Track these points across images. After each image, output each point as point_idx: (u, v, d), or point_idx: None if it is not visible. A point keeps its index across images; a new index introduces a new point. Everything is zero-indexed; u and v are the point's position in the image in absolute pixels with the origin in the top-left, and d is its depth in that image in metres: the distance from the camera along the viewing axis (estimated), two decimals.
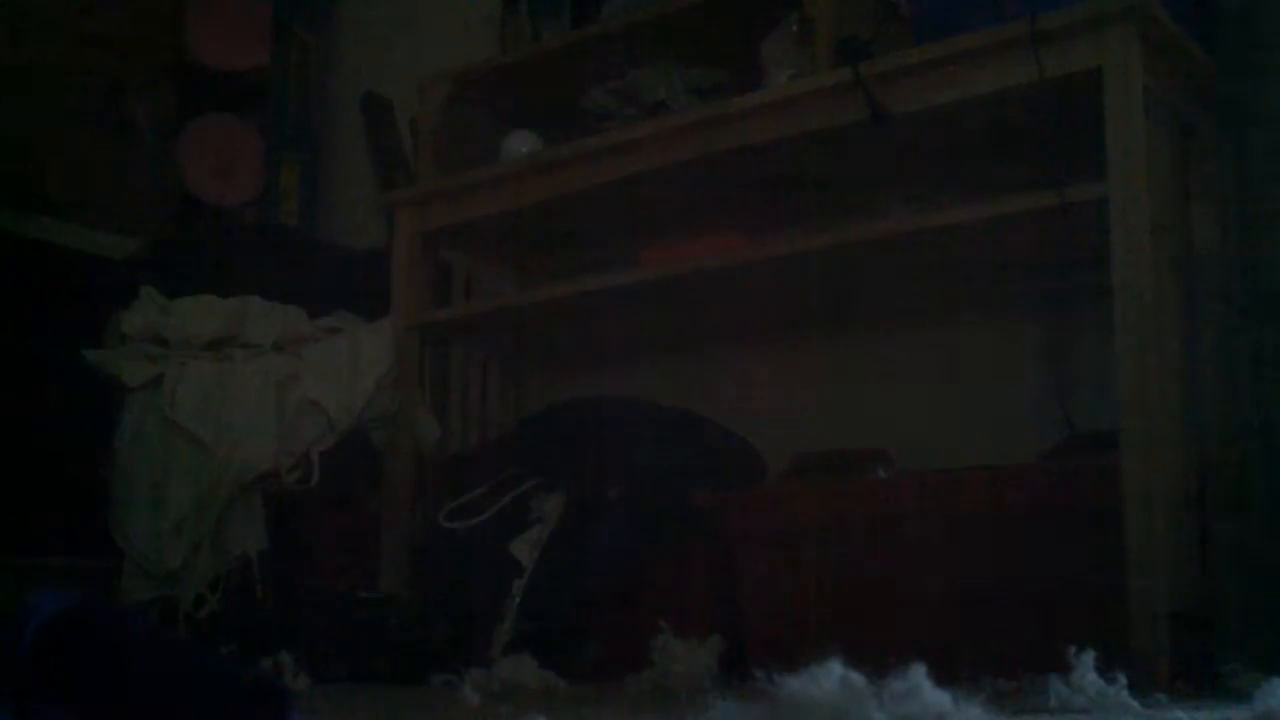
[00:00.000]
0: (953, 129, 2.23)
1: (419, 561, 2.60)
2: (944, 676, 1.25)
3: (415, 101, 2.91)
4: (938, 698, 1.21)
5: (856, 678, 1.15)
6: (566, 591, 2.29)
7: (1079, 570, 1.86)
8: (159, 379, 2.60)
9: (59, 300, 3.01)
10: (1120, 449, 1.83)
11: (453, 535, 2.43)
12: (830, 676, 1.14)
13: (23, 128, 3.18)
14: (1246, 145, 2.17)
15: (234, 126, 3.42)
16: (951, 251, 2.28)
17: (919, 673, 1.21)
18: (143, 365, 2.62)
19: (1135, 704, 1.45)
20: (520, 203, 2.65)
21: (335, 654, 2.32)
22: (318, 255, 3.13)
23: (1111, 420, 1.87)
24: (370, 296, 2.81)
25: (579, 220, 2.76)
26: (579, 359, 3.00)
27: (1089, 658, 1.48)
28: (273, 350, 2.68)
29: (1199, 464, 2.00)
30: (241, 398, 2.56)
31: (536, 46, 2.85)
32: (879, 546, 2.04)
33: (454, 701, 1.79)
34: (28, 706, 0.96)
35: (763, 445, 2.49)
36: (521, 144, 2.71)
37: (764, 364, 2.74)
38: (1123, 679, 1.48)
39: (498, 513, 2.41)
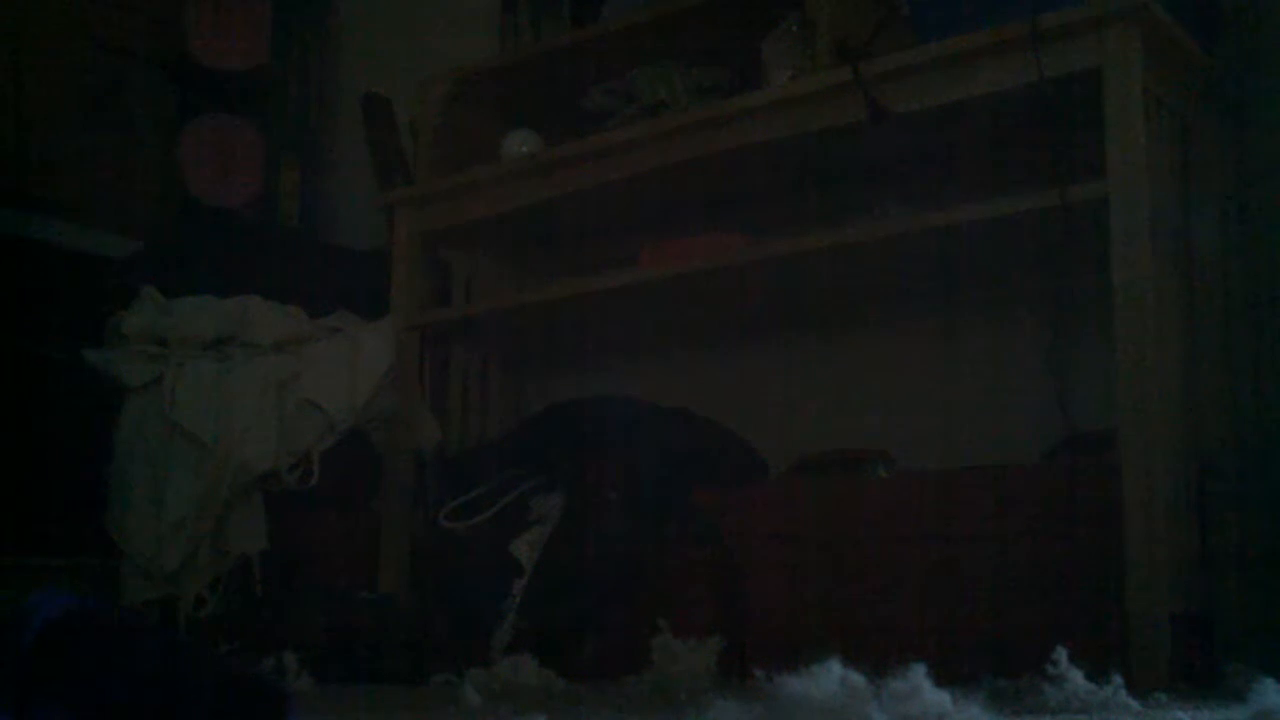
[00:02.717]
0: (953, 129, 2.23)
1: (419, 561, 2.60)
2: (944, 676, 1.25)
3: (415, 101, 2.91)
4: (938, 698, 1.21)
5: (856, 678, 1.15)
6: (566, 591, 2.29)
7: (1079, 570, 1.86)
8: (159, 379, 2.60)
9: (59, 300, 3.01)
10: (1120, 449, 1.83)
11: (453, 535, 2.43)
12: (830, 676, 1.15)
13: (23, 128, 3.18)
14: (1246, 145, 2.17)
15: (234, 126, 3.41)
16: (951, 251, 2.28)
17: (919, 673, 1.22)
18: (143, 365, 2.63)
19: (1135, 704, 1.46)
20: (520, 203, 2.65)
21: (335, 654, 2.32)
22: (318, 255, 3.13)
23: (1111, 420, 1.87)
24: (370, 296, 2.81)
25: (579, 220, 2.76)
26: (579, 359, 3.00)
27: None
28: (273, 350, 2.67)
29: (1199, 464, 2.00)
30: (241, 398, 2.56)
31: (536, 46, 2.85)
32: (879, 546, 2.04)
33: (454, 701, 1.79)
34: (28, 706, 0.96)
35: (763, 445, 2.49)
36: (521, 144, 2.71)
37: (764, 364, 2.74)
38: (1118, 678, 1.48)
39: (498, 513, 2.42)
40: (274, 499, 2.58)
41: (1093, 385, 2.17)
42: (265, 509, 2.57)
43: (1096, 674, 1.49)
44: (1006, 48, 2.02)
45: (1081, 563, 1.86)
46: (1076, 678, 1.47)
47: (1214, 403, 2.07)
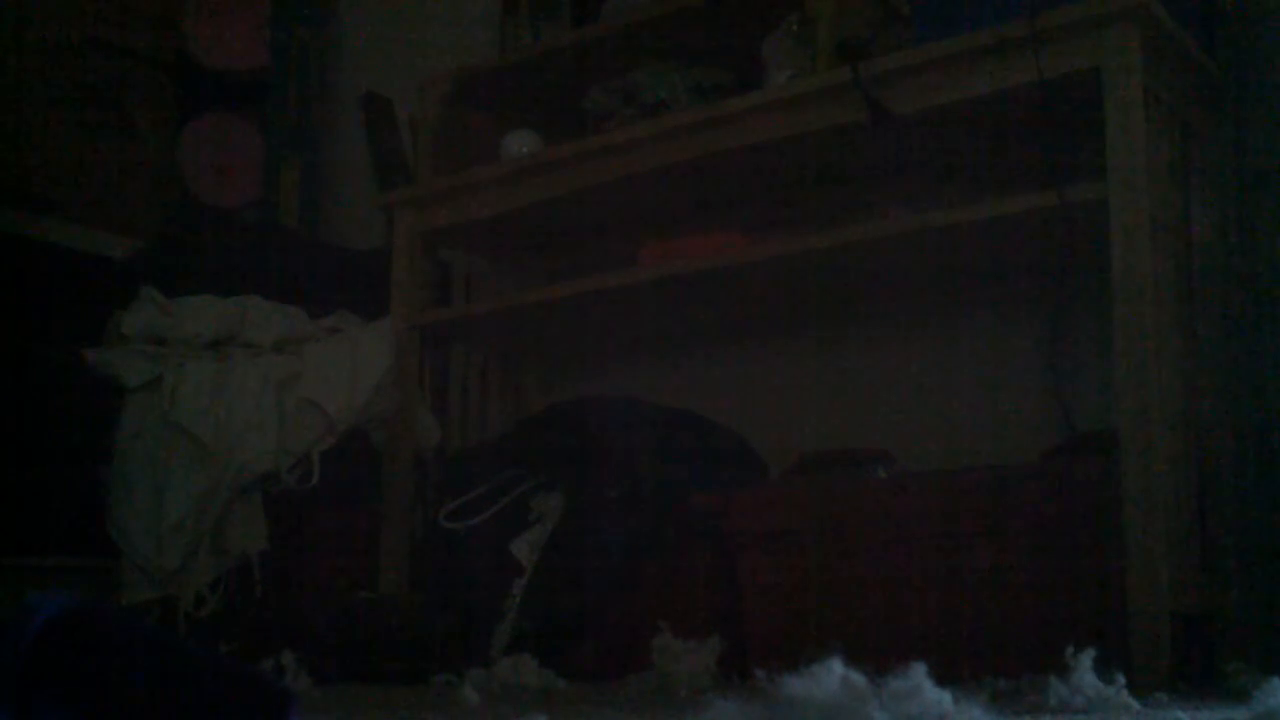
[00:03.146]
0: (953, 129, 2.23)
1: (419, 561, 2.60)
2: (944, 676, 1.25)
3: (415, 101, 2.91)
4: (938, 697, 1.21)
5: (856, 678, 1.15)
6: (566, 591, 2.29)
7: (1079, 570, 1.86)
8: (159, 379, 2.60)
9: (59, 300, 3.01)
10: (1120, 449, 1.83)
11: (453, 535, 2.43)
12: (830, 676, 1.14)
13: (23, 128, 3.18)
14: (1246, 144, 2.17)
15: (234, 126, 3.42)
16: (951, 251, 2.28)
17: (919, 672, 1.21)
18: (143, 365, 2.62)
19: (1135, 704, 1.45)
20: (520, 203, 2.65)
21: (335, 654, 2.32)
22: (318, 255, 3.13)
23: (1111, 420, 1.87)
24: (370, 296, 2.81)
25: (579, 220, 2.76)
26: (579, 359, 3.00)
27: (1087, 657, 1.48)
28: (273, 350, 2.67)
29: (1199, 464, 2.00)
30: (241, 398, 2.56)
31: (536, 46, 2.85)
32: (879, 546, 2.04)
33: (454, 701, 1.79)
34: (28, 706, 0.96)
35: (763, 445, 2.49)
36: (521, 144, 2.71)
37: (764, 364, 2.74)
38: (1122, 679, 1.48)
39: (498, 513, 2.41)
40: (274, 499, 2.57)
41: (1093, 385, 2.17)
42: (265, 509, 2.57)
43: (1098, 674, 1.49)
44: (1006, 48, 2.02)
45: (1081, 562, 1.86)
46: (1086, 674, 1.46)
47: (1214, 402, 2.07)
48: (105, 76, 3.34)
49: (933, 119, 2.17)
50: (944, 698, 1.21)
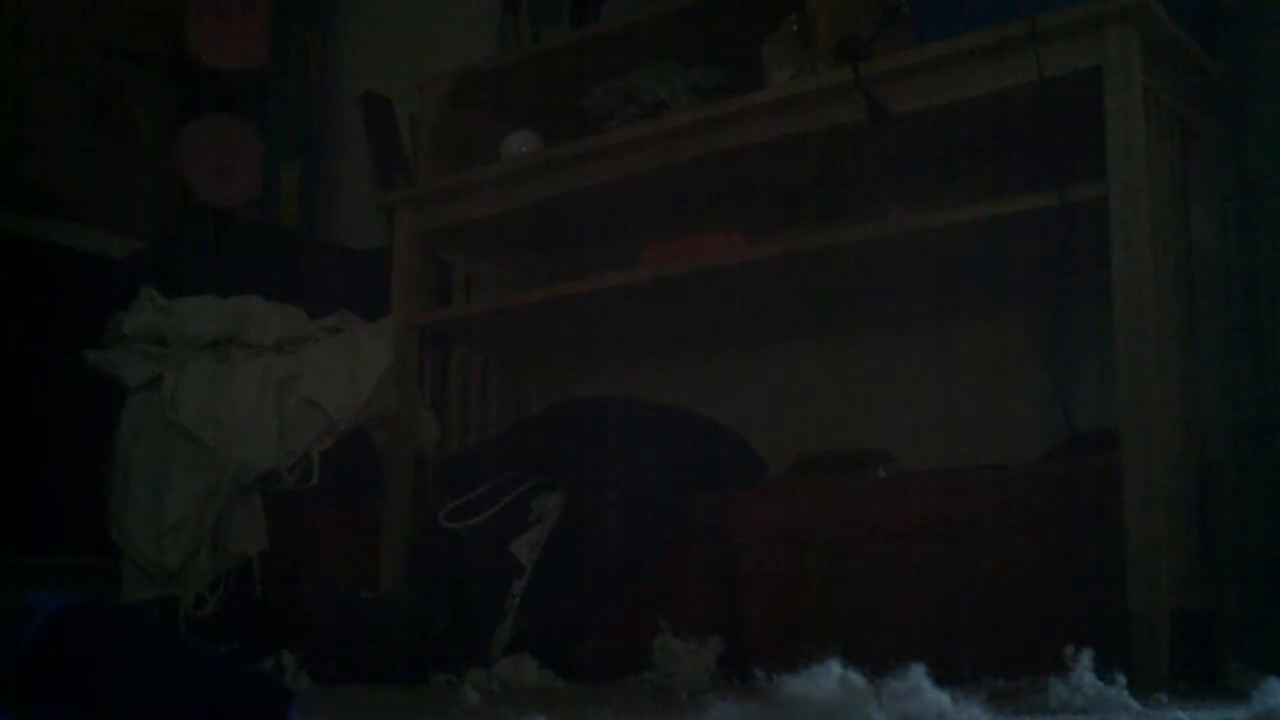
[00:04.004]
0: (953, 129, 2.23)
1: (419, 561, 2.60)
2: (944, 676, 1.25)
3: (415, 101, 2.91)
4: (938, 698, 1.21)
5: (856, 678, 1.15)
6: (566, 591, 2.29)
7: (1079, 570, 1.86)
8: (159, 379, 2.60)
9: (59, 300, 3.01)
10: (1120, 449, 1.83)
11: (453, 535, 2.43)
12: (830, 676, 1.15)
13: (23, 128, 3.18)
14: (1246, 145, 2.17)
15: (234, 126, 3.42)
16: (951, 251, 2.28)
17: (919, 673, 1.22)
18: (143, 365, 2.63)
19: (1135, 704, 1.46)
20: (520, 203, 2.65)
21: (335, 654, 2.32)
22: (318, 255, 3.13)
23: (1111, 420, 1.87)
24: (370, 296, 2.81)
25: (579, 220, 2.76)
26: (579, 359, 3.00)
27: (1087, 657, 1.48)
28: (273, 350, 2.68)
29: (1199, 464, 2.00)
30: (241, 398, 2.56)
31: (536, 46, 2.85)
32: (879, 546, 2.04)
33: (454, 701, 1.79)
34: (28, 707, 0.96)
35: (763, 445, 2.49)
36: (521, 144, 2.71)
37: (764, 364, 2.74)
38: (1122, 679, 1.48)
39: (498, 513, 2.42)
40: (274, 499, 2.58)
41: (1093, 385, 2.17)
42: (265, 509, 2.57)
43: (1098, 674, 1.49)
44: (1006, 48, 2.02)
45: (1082, 563, 1.86)
46: (1085, 674, 1.46)
47: (1214, 403, 2.07)
48: (105, 76, 3.34)
49: (932, 119, 2.17)
50: (943, 698, 1.21)
